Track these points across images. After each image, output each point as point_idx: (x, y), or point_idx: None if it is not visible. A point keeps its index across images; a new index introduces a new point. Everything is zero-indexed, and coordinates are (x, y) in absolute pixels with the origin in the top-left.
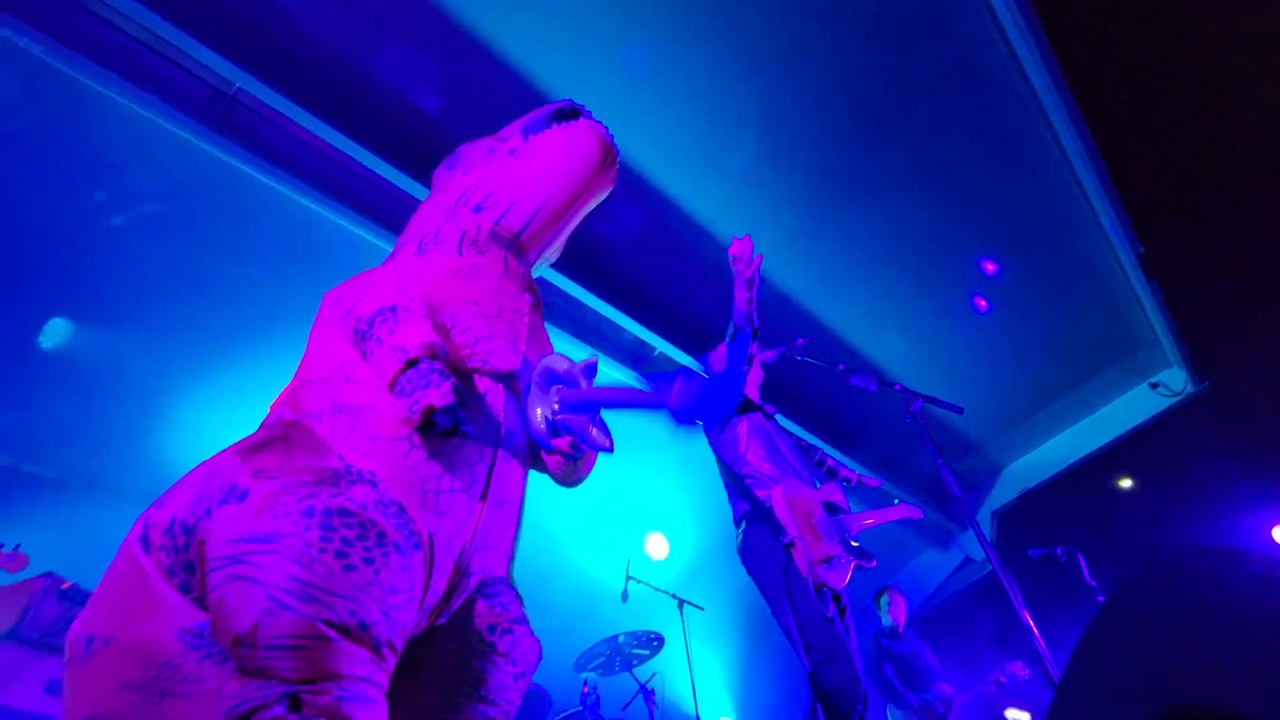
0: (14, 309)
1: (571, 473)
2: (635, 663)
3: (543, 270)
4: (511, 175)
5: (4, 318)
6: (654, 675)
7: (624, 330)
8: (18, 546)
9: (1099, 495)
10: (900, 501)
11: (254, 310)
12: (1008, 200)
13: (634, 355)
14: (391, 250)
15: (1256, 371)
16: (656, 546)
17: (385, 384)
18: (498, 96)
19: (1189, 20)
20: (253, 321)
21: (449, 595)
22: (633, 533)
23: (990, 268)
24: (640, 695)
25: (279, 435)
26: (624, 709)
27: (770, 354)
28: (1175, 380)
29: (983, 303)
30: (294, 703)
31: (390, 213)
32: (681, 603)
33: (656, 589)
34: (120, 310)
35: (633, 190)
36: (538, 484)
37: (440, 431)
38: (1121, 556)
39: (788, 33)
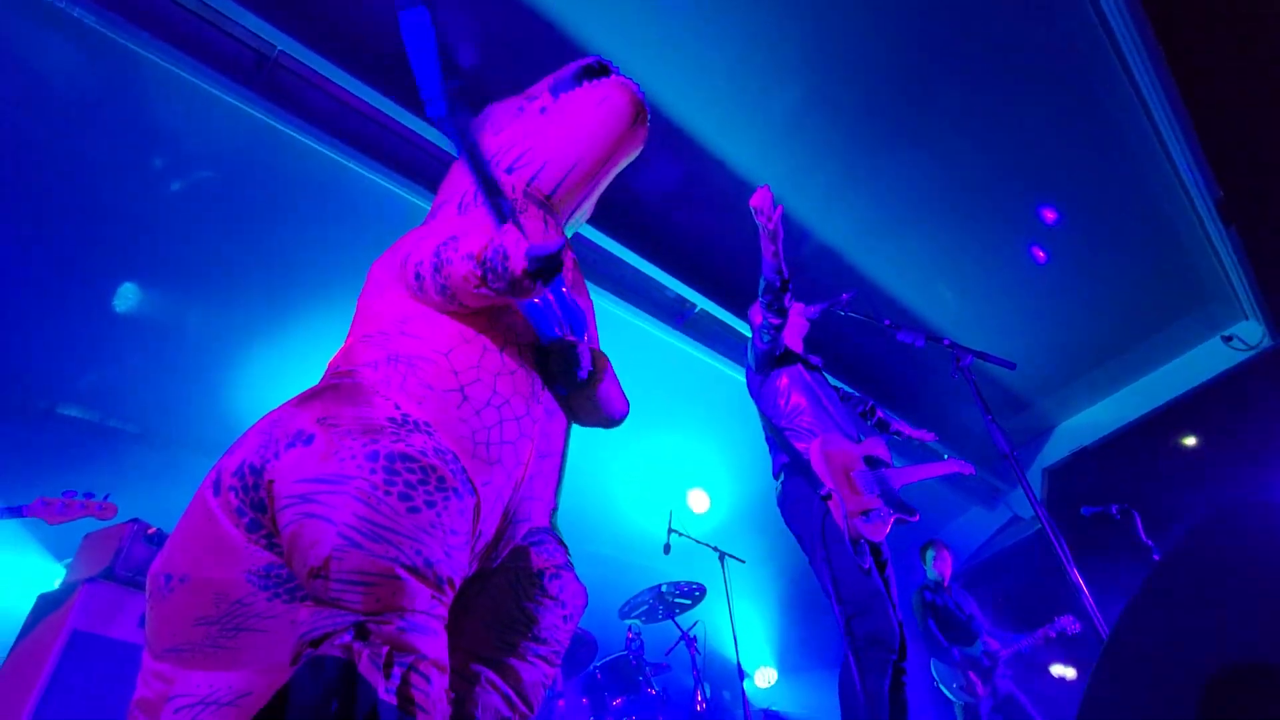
0: (92, 274)
1: (595, 409)
2: (678, 611)
3: (578, 227)
4: (542, 135)
5: (85, 283)
6: (696, 623)
7: (665, 288)
8: (106, 496)
9: (1160, 454)
10: (950, 456)
11: (306, 271)
12: (1071, 140)
13: (674, 313)
14: (429, 211)
15: None
16: (698, 501)
17: (470, 288)
18: (535, 48)
19: None
20: (306, 282)
21: (497, 541)
22: (675, 487)
23: (1050, 215)
24: (682, 642)
25: (333, 385)
26: (667, 654)
27: (814, 309)
28: (1251, 333)
29: (1041, 253)
30: (361, 631)
31: (430, 173)
32: (723, 555)
33: (698, 541)
34: (185, 275)
35: (671, 142)
36: (587, 440)
37: (548, 276)
38: (1182, 516)
39: None
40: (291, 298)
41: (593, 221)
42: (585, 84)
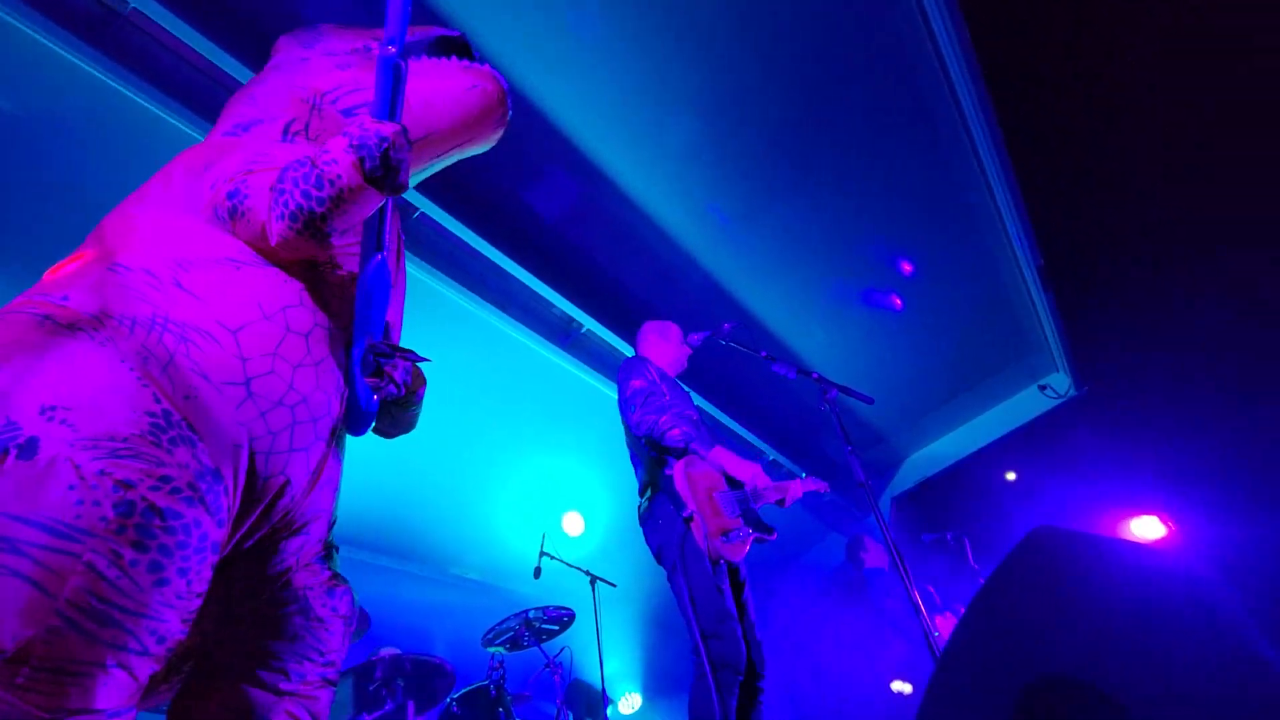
0: None
1: (399, 425)
2: (544, 638)
3: (468, 238)
4: None
5: None
6: (563, 650)
7: (552, 305)
8: None
9: (988, 486)
10: (807, 475)
11: None
12: (927, 204)
13: (561, 332)
14: (228, 122)
15: (1131, 381)
16: (573, 524)
17: (350, 180)
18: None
19: (1115, 42)
20: None
21: (271, 552)
22: (551, 510)
23: (907, 267)
24: (547, 669)
25: (61, 328)
26: (530, 682)
27: (696, 337)
28: (1060, 384)
29: (898, 300)
30: None
31: None
32: (594, 579)
33: (570, 565)
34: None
35: (567, 161)
36: (458, 459)
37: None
38: (1004, 543)
39: (736, 12)
40: None
41: (484, 235)
42: (455, 59)
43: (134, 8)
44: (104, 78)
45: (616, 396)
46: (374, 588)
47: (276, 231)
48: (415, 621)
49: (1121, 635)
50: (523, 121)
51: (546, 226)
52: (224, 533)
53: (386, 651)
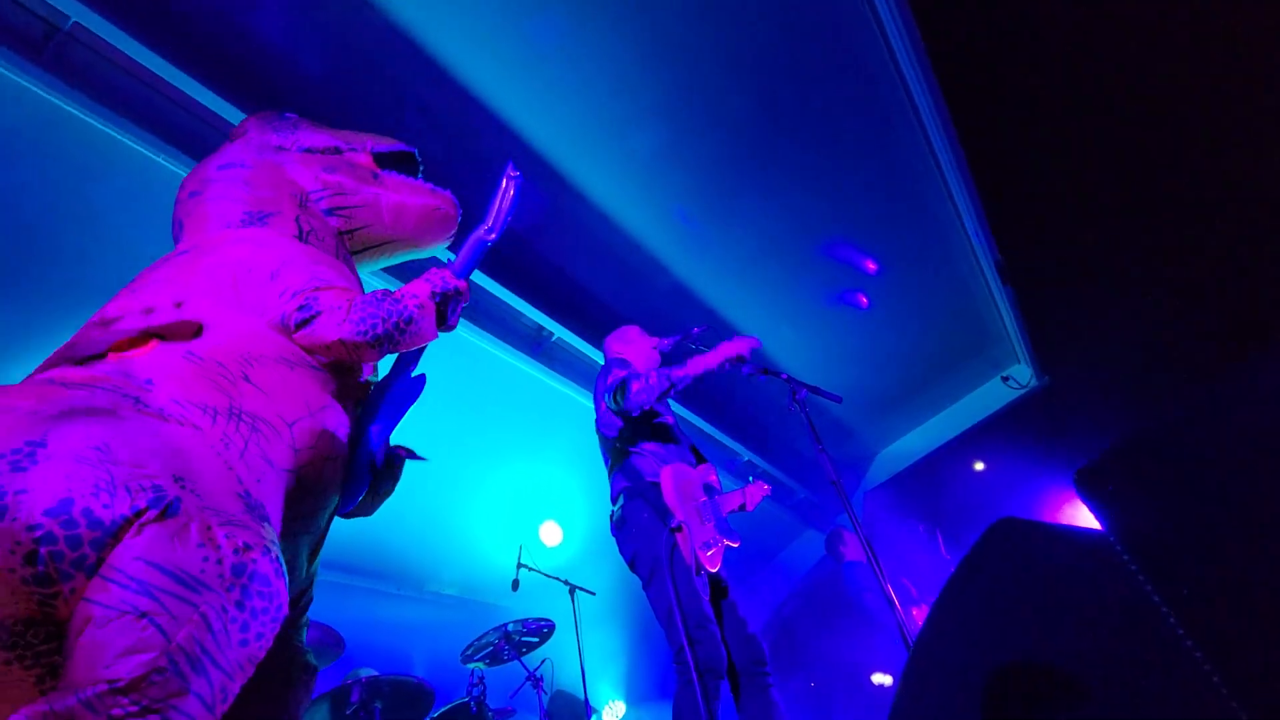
0: None
1: (361, 510)
2: (524, 651)
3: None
4: (369, 203)
5: None
6: (544, 662)
7: (521, 314)
8: None
9: (957, 478)
10: (754, 479)
11: (103, 276)
12: (888, 204)
13: (531, 341)
14: (234, 205)
15: (1089, 369)
16: (550, 533)
17: (424, 322)
18: (386, 60)
19: (1073, 49)
20: (102, 289)
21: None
22: (528, 520)
23: (871, 266)
24: (529, 682)
25: (164, 416)
26: (512, 697)
27: (667, 341)
28: (1022, 374)
29: (864, 299)
30: None
31: None
32: (573, 589)
33: (548, 575)
34: None
35: (534, 173)
36: (434, 474)
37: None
38: (974, 533)
39: (695, 20)
40: (75, 298)
41: (452, 246)
42: (420, 180)
43: (75, 22)
44: (46, 95)
45: (591, 402)
46: (348, 610)
47: (351, 342)
48: (392, 641)
49: (1076, 614)
50: (486, 132)
51: (513, 235)
52: None
53: (363, 673)
